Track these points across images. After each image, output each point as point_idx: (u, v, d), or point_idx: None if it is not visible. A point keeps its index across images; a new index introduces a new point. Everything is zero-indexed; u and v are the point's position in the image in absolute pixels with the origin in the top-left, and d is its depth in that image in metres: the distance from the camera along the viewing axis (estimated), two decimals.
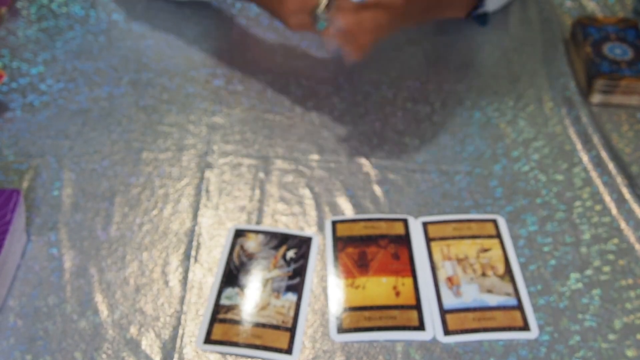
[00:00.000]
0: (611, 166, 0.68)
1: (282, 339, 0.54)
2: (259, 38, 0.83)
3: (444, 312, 0.57)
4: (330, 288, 0.59)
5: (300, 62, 0.80)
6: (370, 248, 0.61)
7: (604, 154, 0.70)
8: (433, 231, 0.63)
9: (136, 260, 0.60)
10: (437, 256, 0.61)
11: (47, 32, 0.82)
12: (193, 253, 0.61)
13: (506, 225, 0.63)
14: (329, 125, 0.73)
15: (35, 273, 0.59)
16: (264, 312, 0.56)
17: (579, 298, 0.58)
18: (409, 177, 0.68)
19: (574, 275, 0.60)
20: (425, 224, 0.63)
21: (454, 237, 0.62)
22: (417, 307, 0.57)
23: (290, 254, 0.60)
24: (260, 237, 0.62)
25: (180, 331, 0.56)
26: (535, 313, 0.57)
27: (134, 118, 0.73)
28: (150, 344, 0.55)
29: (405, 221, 0.64)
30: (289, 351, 0.54)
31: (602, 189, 0.67)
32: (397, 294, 0.58)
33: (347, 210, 0.65)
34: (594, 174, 0.68)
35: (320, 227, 0.63)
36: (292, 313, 0.56)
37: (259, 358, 0.54)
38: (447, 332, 0.56)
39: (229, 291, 0.58)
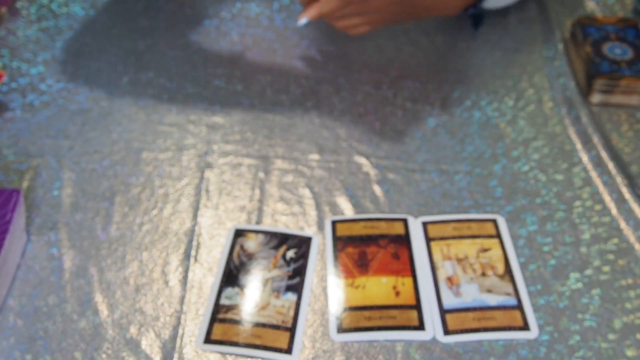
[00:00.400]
0: (611, 166, 0.69)
1: (282, 339, 0.54)
2: (259, 38, 0.83)
3: (443, 311, 0.57)
4: (330, 288, 0.59)
5: (300, 62, 0.80)
6: (370, 248, 0.61)
7: (603, 154, 0.70)
8: (433, 231, 0.63)
9: (136, 260, 0.60)
10: (437, 256, 0.61)
11: (47, 32, 0.82)
12: (193, 253, 0.61)
13: (506, 225, 0.63)
14: (329, 125, 0.73)
15: (35, 273, 0.59)
16: (264, 312, 0.56)
17: (578, 298, 0.58)
18: (409, 176, 0.68)
19: (574, 275, 0.60)
20: (425, 224, 0.63)
21: (453, 237, 0.62)
22: (417, 306, 0.57)
23: (290, 253, 0.60)
24: (260, 237, 0.62)
25: (180, 331, 0.56)
26: (535, 313, 0.57)
27: (134, 118, 0.73)
28: (150, 343, 0.55)
29: (405, 221, 0.64)
30: (288, 351, 0.54)
31: (602, 188, 0.67)
32: (397, 293, 0.58)
33: (347, 210, 0.65)
34: (593, 174, 0.68)
35: (320, 227, 0.63)
36: (292, 313, 0.56)
37: (259, 358, 0.54)
38: (447, 331, 0.56)
39: (229, 291, 0.58)
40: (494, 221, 0.64)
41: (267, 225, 0.63)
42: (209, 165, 0.68)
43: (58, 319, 0.56)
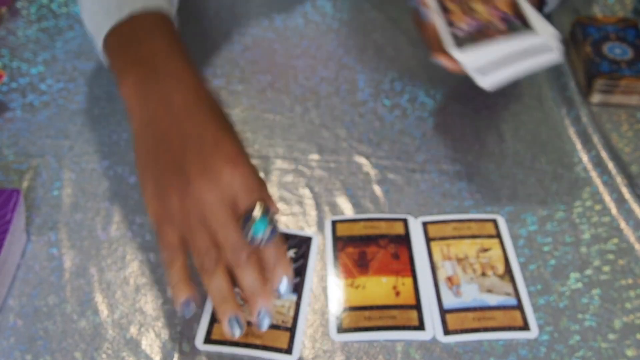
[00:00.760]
0: (611, 166, 0.69)
1: (282, 339, 0.54)
2: (259, 38, 0.83)
3: (443, 311, 0.57)
4: (330, 288, 0.59)
5: (300, 62, 0.80)
6: (370, 248, 0.61)
7: (603, 154, 0.70)
8: (433, 231, 0.63)
9: (136, 260, 0.60)
10: (437, 256, 0.61)
11: (47, 32, 0.82)
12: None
13: (506, 225, 0.63)
14: (329, 125, 0.73)
15: (35, 273, 0.59)
16: None
17: (578, 298, 0.58)
18: (409, 176, 0.68)
19: (574, 275, 0.60)
20: (425, 224, 0.63)
21: (453, 237, 0.62)
22: (417, 306, 0.57)
23: (290, 253, 0.60)
24: None
25: (180, 331, 0.56)
26: (535, 313, 0.57)
27: None
28: (150, 343, 0.55)
29: (405, 221, 0.64)
30: (288, 351, 0.54)
31: (602, 188, 0.67)
32: (397, 293, 0.58)
33: (347, 210, 0.65)
34: (593, 174, 0.68)
35: (320, 227, 0.63)
36: (292, 313, 0.56)
37: (259, 358, 0.54)
38: (447, 331, 0.56)
39: None
40: (494, 221, 0.64)
41: None
42: None
43: (58, 319, 0.56)
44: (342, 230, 0.63)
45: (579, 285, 0.59)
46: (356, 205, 0.65)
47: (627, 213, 0.65)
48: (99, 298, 0.58)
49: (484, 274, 0.59)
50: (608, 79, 0.73)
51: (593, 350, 0.55)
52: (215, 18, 0.85)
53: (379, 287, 0.58)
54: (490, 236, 0.62)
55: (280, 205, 0.65)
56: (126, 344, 0.55)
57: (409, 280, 0.59)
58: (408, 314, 0.57)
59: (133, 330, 0.56)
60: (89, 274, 0.59)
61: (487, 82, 0.59)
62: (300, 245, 0.61)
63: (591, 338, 0.56)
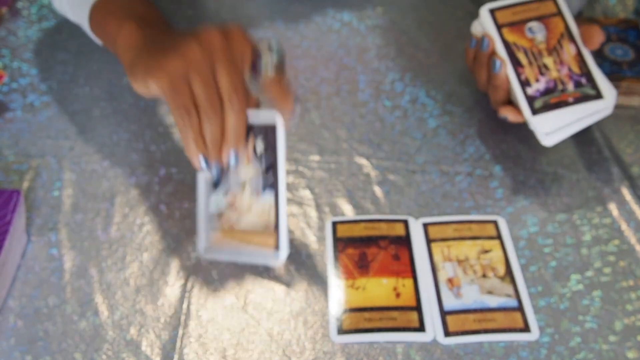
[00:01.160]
0: (612, 167, 0.68)
1: (269, 240, 0.56)
2: (259, 38, 0.82)
3: (444, 313, 0.57)
4: (331, 289, 0.59)
5: (300, 62, 0.80)
6: (371, 249, 0.61)
7: (605, 155, 0.70)
8: (433, 232, 0.63)
9: (136, 261, 0.60)
10: (437, 257, 0.61)
11: (48, 32, 0.82)
12: (193, 254, 0.61)
13: (507, 226, 0.63)
14: (329, 126, 0.73)
15: (36, 273, 0.59)
16: (249, 216, 0.57)
17: (579, 299, 0.58)
18: (410, 177, 0.68)
19: (575, 277, 0.60)
20: (425, 225, 0.63)
21: (454, 238, 0.62)
22: (418, 308, 0.57)
23: (259, 145, 0.57)
24: None
25: (180, 332, 0.56)
26: (535, 314, 0.57)
27: (134, 118, 0.73)
28: (150, 344, 0.55)
29: (405, 222, 0.63)
30: (277, 248, 0.55)
31: (603, 190, 0.67)
32: (398, 295, 0.58)
33: (348, 211, 0.65)
34: (594, 176, 0.68)
35: (321, 228, 0.63)
36: (273, 212, 0.56)
37: (250, 260, 0.57)
38: (447, 333, 0.56)
39: (214, 198, 0.58)
40: (495, 222, 0.64)
41: None
42: None
43: (58, 320, 0.56)
44: (343, 232, 0.63)
45: (580, 286, 0.59)
46: (356, 206, 0.65)
47: (628, 214, 0.64)
48: (99, 299, 0.58)
49: (484, 276, 0.59)
50: (609, 80, 0.73)
51: (594, 352, 0.55)
52: (215, 18, 0.85)
53: (380, 289, 0.58)
54: (490, 237, 0.62)
55: None
56: (126, 345, 0.55)
57: (409, 282, 0.59)
58: (408, 315, 0.57)
59: (133, 331, 0.56)
60: (89, 274, 0.59)
61: (551, 141, 0.64)
62: (265, 133, 0.57)
63: (592, 340, 0.56)
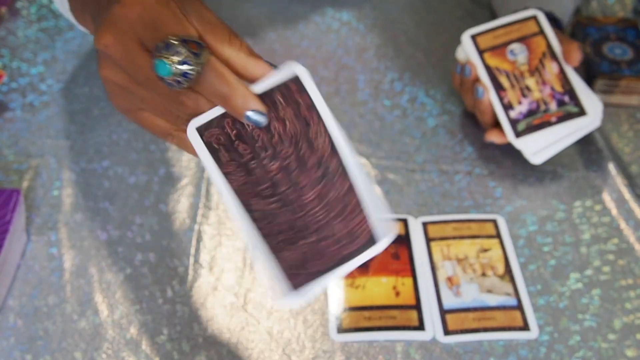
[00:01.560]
0: (611, 166, 0.69)
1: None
2: (260, 38, 0.82)
3: (443, 312, 0.57)
4: (330, 288, 0.59)
5: (299, 61, 0.80)
6: None
7: (604, 154, 0.70)
8: (433, 231, 0.63)
9: (136, 260, 0.60)
10: (437, 256, 0.61)
11: (47, 32, 0.82)
12: (192, 252, 0.61)
13: (506, 225, 0.63)
14: None
15: (35, 273, 0.59)
16: None
17: (578, 298, 0.58)
18: (409, 177, 0.68)
19: (574, 275, 0.60)
20: (425, 224, 0.63)
21: (453, 237, 0.62)
22: (417, 307, 0.57)
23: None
24: None
25: (181, 331, 0.56)
26: (535, 313, 0.57)
27: None
28: (150, 344, 0.55)
29: (405, 221, 0.64)
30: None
31: (602, 189, 0.67)
32: (397, 293, 0.58)
33: None
34: (594, 174, 0.68)
35: None
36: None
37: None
38: (446, 332, 0.56)
39: None
40: (494, 221, 0.64)
41: None
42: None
43: (58, 319, 0.56)
44: None
45: (579, 285, 0.59)
46: None
47: (627, 213, 0.65)
48: (99, 298, 0.58)
49: (484, 274, 0.59)
50: (608, 79, 0.73)
51: (593, 350, 0.55)
52: None
53: (379, 287, 0.58)
54: (490, 236, 0.62)
55: None
56: (126, 344, 0.55)
57: (409, 281, 0.59)
58: (408, 314, 0.57)
59: (133, 330, 0.56)
60: (89, 274, 0.59)
61: (539, 160, 0.66)
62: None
63: (591, 338, 0.56)
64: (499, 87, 0.66)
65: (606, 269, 0.61)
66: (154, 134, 0.45)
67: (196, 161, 0.69)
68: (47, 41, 0.81)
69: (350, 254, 0.44)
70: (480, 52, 0.68)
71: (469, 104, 0.70)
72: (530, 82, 0.66)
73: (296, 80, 0.42)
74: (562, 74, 0.66)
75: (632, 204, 0.65)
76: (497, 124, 0.67)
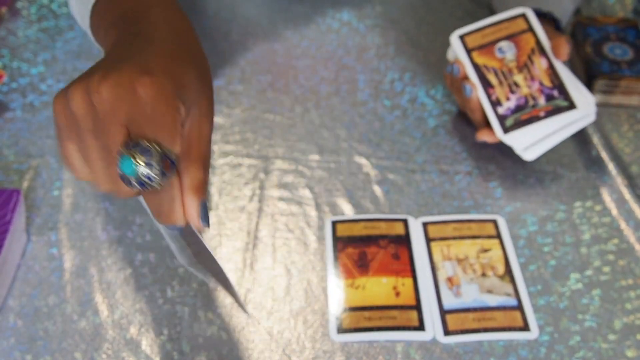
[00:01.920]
0: (611, 166, 0.69)
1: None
2: (259, 38, 0.83)
3: (444, 312, 0.57)
4: (330, 288, 0.59)
5: (300, 62, 0.80)
6: (370, 248, 0.61)
7: (604, 154, 0.70)
8: (433, 231, 0.63)
9: (136, 260, 0.60)
10: (437, 256, 0.61)
11: (48, 32, 0.82)
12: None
13: (506, 226, 0.63)
14: (329, 126, 0.73)
15: (35, 273, 0.59)
16: None
17: (579, 298, 0.58)
18: (409, 177, 0.68)
19: (574, 276, 0.60)
20: (425, 224, 0.63)
21: (454, 238, 0.62)
22: (417, 307, 0.57)
23: None
24: None
25: (181, 331, 0.56)
26: (535, 313, 0.57)
27: None
28: (150, 344, 0.55)
29: (405, 221, 0.64)
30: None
31: (602, 189, 0.67)
32: (397, 294, 0.58)
33: (347, 210, 0.65)
34: (594, 175, 0.68)
35: (321, 228, 0.63)
36: None
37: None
38: (447, 332, 0.56)
39: None
40: (494, 221, 0.64)
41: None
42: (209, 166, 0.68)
43: (58, 319, 0.56)
44: (342, 231, 0.63)
45: (579, 285, 0.59)
46: (356, 206, 0.65)
47: (628, 213, 0.65)
48: (99, 298, 0.58)
49: (484, 275, 0.59)
50: (608, 79, 0.73)
51: (593, 350, 0.55)
52: (215, 18, 0.85)
53: (379, 288, 0.58)
54: (490, 236, 0.62)
55: (281, 206, 0.65)
56: (126, 345, 0.55)
57: (409, 281, 0.59)
58: (408, 314, 0.57)
59: (133, 330, 0.56)
60: (89, 274, 0.59)
61: (531, 156, 0.65)
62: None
63: (591, 338, 0.56)
64: (487, 85, 0.67)
65: (606, 269, 0.61)
66: (71, 171, 0.43)
67: None
68: (47, 41, 0.81)
69: None
70: (468, 51, 0.68)
71: (461, 104, 0.70)
72: (519, 78, 0.66)
73: None
74: (552, 69, 0.66)
75: (633, 204, 0.65)
76: (488, 123, 0.67)
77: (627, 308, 0.58)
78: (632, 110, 0.75)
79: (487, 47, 0.68)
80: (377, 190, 0.67)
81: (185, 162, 0.41)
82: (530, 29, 0.68)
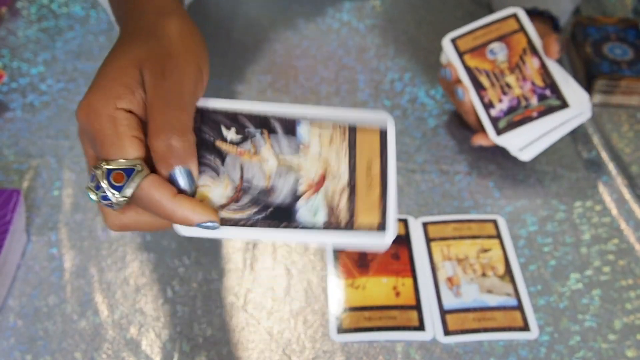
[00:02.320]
0: (611, 166, 0.69)
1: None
2: (260, 38, 0.83)
3: (444, 312, 0.57)
4: (330, 288, 0.59)
5: (300, 62, 0.80)
6: None
7: (604, 154, 0.70)
8: (433, 231, 0.63)
9: (136, 260, 0.60)
10: (437, 256, 0.61)
11: (47, 32, 0.82)
12: (193, 252, 0.61)
13: (506, 226, 0.63)
14: None
15: (35, 273, 0.59)
16: None
17: (579, 298, 0.58)
18: (409, 177, 0.68)
19: (574, 276, 0.60)
20: (425, 224, 0.63)
21: (454, 238, 0.62)
22: (417, 307, 0.57)
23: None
24: None
25: (181, 331, 0.56)
26: (535, 313, 0.57)
27: None
28: (150, 344, 0.55)
29: (405, 221, 0.63)
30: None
31: (602, 189, 0.67)
32: (397, 294, 0.58)
33: None
34: (594, 175, 0.68)
35: None
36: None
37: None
38: (447, 332, 0.56)
39: None
40: (494, 221, 0.64)
41: None
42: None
43: (58, 319, 0.56)
44: None
45: (579, 285, 0.59)
46: None
47: (628, 213, 0.65)
48: (99, 298, 0.58)
49: (484, 275, 0.59)
50: (608, 79, 0.73)
51: (593, 350, 0.55)
52: (216, 18, 0.85)
53: (379, 288, 0.58)
54: (490, 236, 0.62)
55: None
56: (126, 345, 0.55)
57: (409, 281, 0.59)
58: (408, 314, 0.57)
59: (133, 330, 0.56)
60: (89, 274, 0.59)
61: (527, 156, 0.66)
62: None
63: (591, 338, 0.56)
64: (479, 87, 0.67)
65: (606, 269, 0.61)
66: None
67: None
68: (47, 41, 0.81)
69: None
70: (460, 55, 0.68)
71: (456, 106, 0.70)
72: (511, 79, 0.66)
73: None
74: (544, 68, 0.66)
75: (633, 204, 0.65)
76: (482, 126, 0.67)
77: (627, 308, 0.58)
78: (632, 110, 0.75)
79: (478, 50, 0.68)
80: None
81: (149, 139, 0.38)
82: (522, 28, 0.68)
